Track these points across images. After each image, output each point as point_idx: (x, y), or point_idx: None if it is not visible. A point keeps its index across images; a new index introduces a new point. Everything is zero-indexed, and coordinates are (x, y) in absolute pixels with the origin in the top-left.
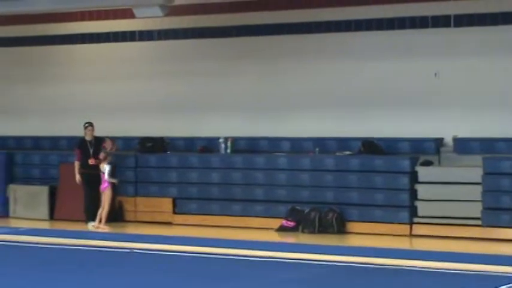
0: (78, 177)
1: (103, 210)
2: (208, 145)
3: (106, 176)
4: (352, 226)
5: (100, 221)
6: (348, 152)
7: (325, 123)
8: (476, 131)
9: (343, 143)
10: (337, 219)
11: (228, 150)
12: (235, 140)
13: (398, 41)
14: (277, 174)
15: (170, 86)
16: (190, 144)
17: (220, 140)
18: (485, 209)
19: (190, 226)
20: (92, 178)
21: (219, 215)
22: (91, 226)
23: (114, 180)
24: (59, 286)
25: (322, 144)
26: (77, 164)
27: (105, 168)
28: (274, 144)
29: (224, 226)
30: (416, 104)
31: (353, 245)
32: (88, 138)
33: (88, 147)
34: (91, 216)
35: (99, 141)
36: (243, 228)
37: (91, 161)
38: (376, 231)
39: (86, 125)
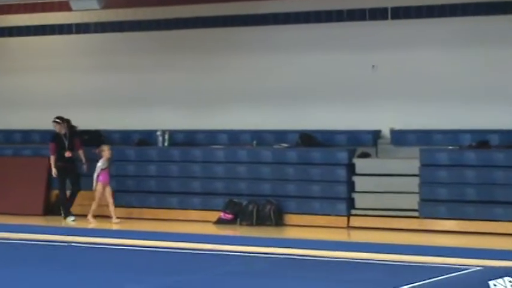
0: (54, 170)
1: (110, 206)
2: (146, 138)
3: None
4: (290, 218)
5: (112, 217)
6: (285, 145)
7: (263, 116)
8: (413, 123)
9: (280, 135)
10: (275, 211)
11: (166, 143)
12: (172, 133)
13: (336, 33)
14: (214, 167)
15: (107, 78)
16: (126, 137)
17: (158, 133)
18: (422, 200)
19: (128, 219)
20: (68, 171)
21: (157, 207)
22: (71, 221)
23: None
24: None
25: (259, 137)
26: (52, 158)
27: (99, 164)
28: (211, 137)
29: (162, 219)
30: (353, 96)
31: (291, 237)
32: (61, 131)
33: (63, 140)
34: (68, 211)
35: (73, 133)
36: (180, 221)
37: (67, 154)
38: (314, 223)
39: (58, 120)
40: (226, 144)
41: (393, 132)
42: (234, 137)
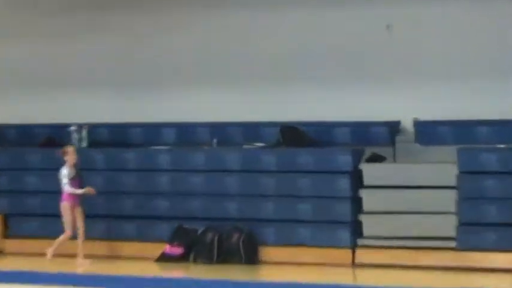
0: None
1: (80, 237)
2: (54, 136)
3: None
4: (268, 253)
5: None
6: (260, 144)
7: (227, 102)
8: (448, 110)
9: (253, 130)
10: (246, 242)
11: (84, 143)
12: (93, 128)
13: None
14: (156, 177)
15: (4, 57)
16: (27, 135)
17: (72, 129)
18: (462, 224)
19: (28, 255)
20: None
21: (70, 238)
22: None
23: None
24: None
25: (222, 132)
26: None
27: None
28: (151, 133)
29: (75, 255)
30: (360, 72)
31: (269, 280)
32: None
33: None
34: None
35: None
36: (106, 258)
37: None
38: (303, 260)
39: None
40: (173, 144)
41: (418, 124)
42: (185, 134)
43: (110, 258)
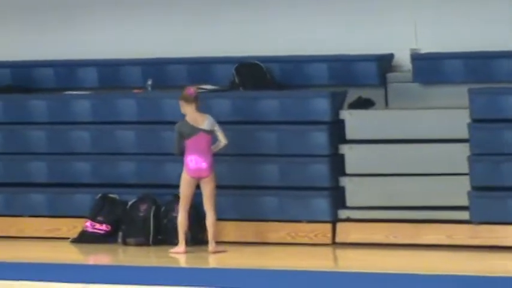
0: None
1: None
2: None
3: None
4: (221, 229)
5: None
6: (208, 86)
7: (165, 31)
8: (455, 38)
9: (199, 68)
10: (191, 217)
11: None
12: None
13: None
14: (73, 132)
15: None
16: None
17: None
18: (476, 189)
19: None
20: None
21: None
22: None
23: None
24: None
25: (159, 72)
26: None
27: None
28: (65, 74)
29: None
30: None
31: (222, 266)
32: None
33: None
34: None
35: None
36: (5, 239)
37: None
38: (267, 238)
39: None
40: (95, 88)
41: (417, 57)
42: (110, 74)
43: (9, 239)
